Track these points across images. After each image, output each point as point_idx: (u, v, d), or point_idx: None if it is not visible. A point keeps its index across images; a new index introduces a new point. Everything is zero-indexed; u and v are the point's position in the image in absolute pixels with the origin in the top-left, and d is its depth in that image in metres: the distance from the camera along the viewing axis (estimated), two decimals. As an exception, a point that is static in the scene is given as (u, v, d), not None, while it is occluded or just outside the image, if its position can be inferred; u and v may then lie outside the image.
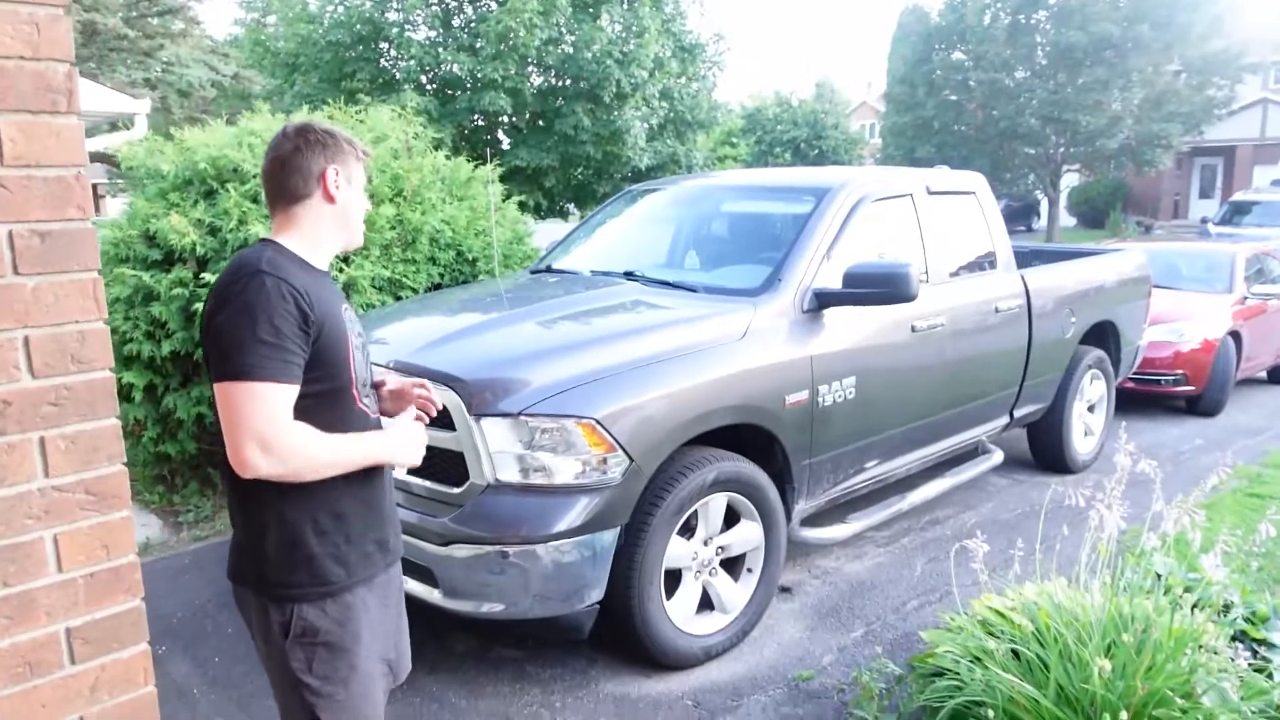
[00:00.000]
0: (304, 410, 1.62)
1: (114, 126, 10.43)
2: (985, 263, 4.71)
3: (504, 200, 5.90)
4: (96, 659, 1.31)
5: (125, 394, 4.64)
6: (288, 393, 1.56)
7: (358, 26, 13.23)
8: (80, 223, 1.23)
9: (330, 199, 1.73)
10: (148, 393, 4.62)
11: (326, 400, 1.67)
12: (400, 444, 1.79)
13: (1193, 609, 2.65)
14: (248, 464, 1.52)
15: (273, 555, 1.66)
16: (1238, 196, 20.13)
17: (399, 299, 4.78)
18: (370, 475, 1.76)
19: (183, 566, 4.17)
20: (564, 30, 13.39)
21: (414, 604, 2.59)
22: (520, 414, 2.86)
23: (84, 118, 8.24)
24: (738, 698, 3.08)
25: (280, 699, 1.75)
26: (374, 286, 4.72)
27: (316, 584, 1.67)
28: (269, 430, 1.52)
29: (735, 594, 3.40)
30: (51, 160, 1.19)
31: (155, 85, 19.61)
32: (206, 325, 1.59)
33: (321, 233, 1.75)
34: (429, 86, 13.81)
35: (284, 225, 1.73)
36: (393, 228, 4.88)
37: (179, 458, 4.81)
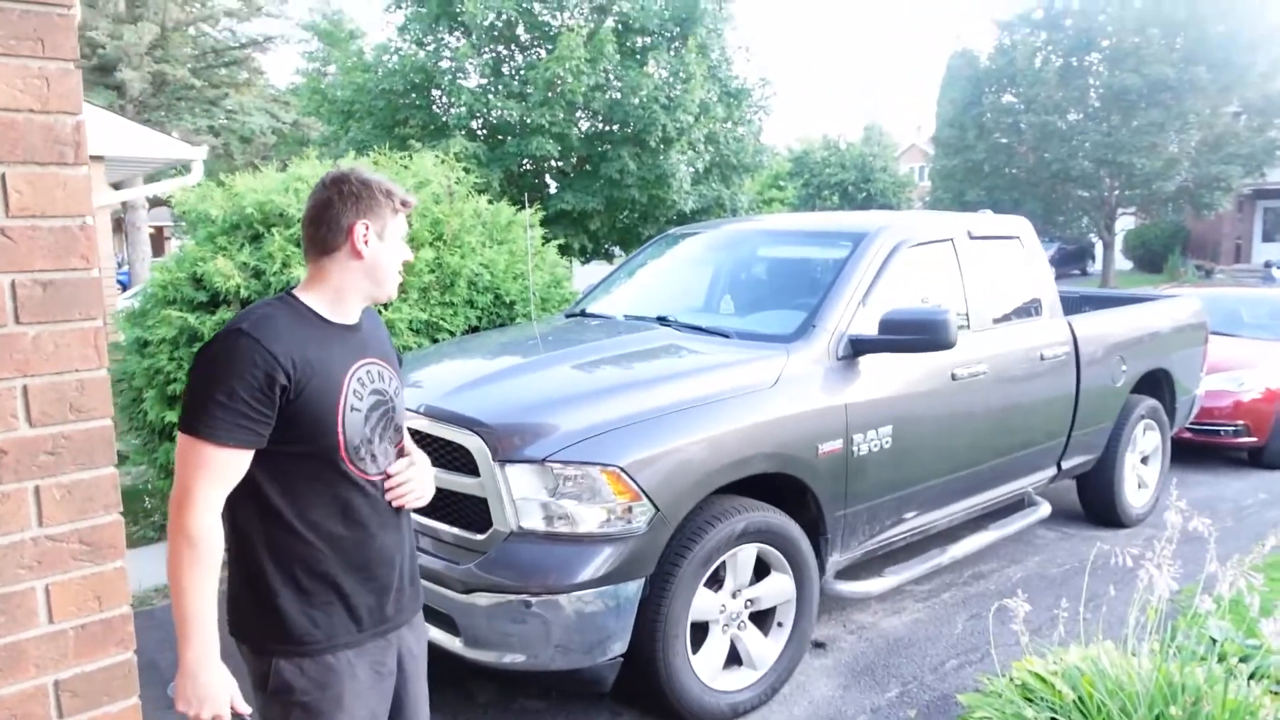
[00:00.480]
0: (281, 470, 1.63)
1: (179, 172, 10.85)
2: (1030, 309, 4.59)
3: (544, 244, 5.95)
4: (85, 712, 1.30)
5: (168, 433, 4.73)
6: (226, 458, 1.55)
7: (411, 75, 13.61)
8: (84, 272, 1.24)
9: (357, 254, 1.71)
10: (189, 432, 4.69)
11: (309, 460, 1.65)
12: (203, 685, 1.58)
13: (1249, 679, 2.49)
14: (170, 512, 1.56)
15: (253, 606, 1.67)
16: (1303, 240, 19.55)
17: (435, 341, 4.82)
18: (361, 540, 1.71)
19: (217, 605, 4.19)
20: (611, 76, 13.60)
21: (436, 651, 2.56)
22: (545, 460, 2.83)
23: (145, 164, 8.57)
24: (765, 759, 2.97)
25: None
26: (411, 329, 4.76)
27: (291, 642, 1.66)
28: (187, 491, 1.54)
29: (765, 649, 3.30)
30: (57, 211, 1.20)
31: (219, 133, 20.36)
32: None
33: (347, 286, 1.73)
34: (479, 132, 14.11)
35: (312, 276, 1.74)
36: (431, 271, 4.93)
37: (218, 496, 4.86)
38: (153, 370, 4.63)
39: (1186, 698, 2.31)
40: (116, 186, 9.13)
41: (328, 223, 1.70)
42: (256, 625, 1.69)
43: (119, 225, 18.51)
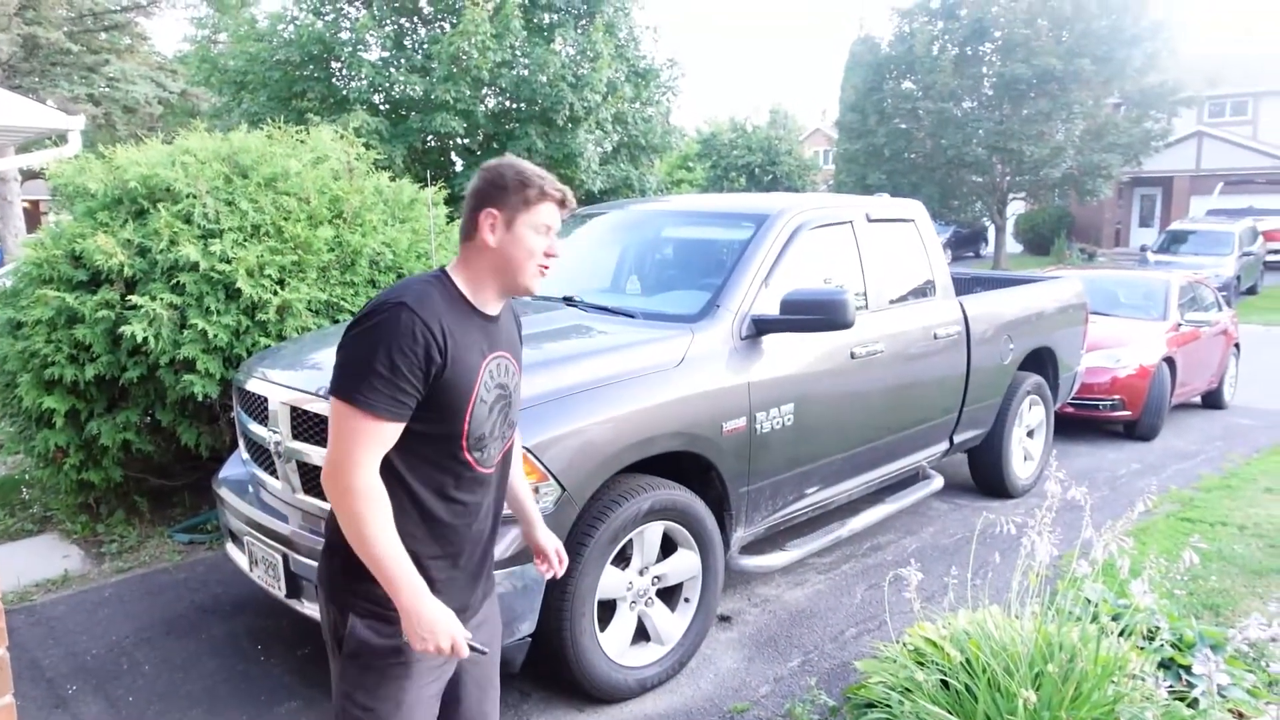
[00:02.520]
0: (405, 444, 1.64)
1: (55, 143, 10.16)
2: (925, 289, 4.76)
3: (448, 223, 5.84)
4: (-48, 714, 1.22)
5: (46, 419, 4.47)
6: (382, 430, 1.58)
7: (309, 46, 13.09)
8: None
9: (485, 244, 1.71)
10: (70, 418, 4.44)
11: (430, 441, 1.66)
12: (426, 620, 1.61)
13: (1120, 636, 2.66)
14: (323, 475, 1.61)
15: (343, 561, 1.67)
16: (1175, 225, 20.82)
17: (336, 322, 4.69)
18: (458, 528, 1.74)
19: (102, 600, 4.01)
20: (517, 53, 13.38)
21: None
22: (449, 442, 2.79)
23: (17, 134, 8.01)
24: (672, 731, 3.02)
25: (334, 705, 1.77)
26: (310, 309, 4.61)
27: (373, 601, 1.66)
28: (346, 455, 1.57)
29: (672, 625, 3.35)
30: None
31: (99, 101, 19.16)
32: (344, 335, 1.64)
33: (482, 274, 1.73)
34: (381, 107, 13.69)
35: (459, 259, 1.75)
36: (331, 250, 4.79)
37: (103, 485, 4.63)
38: (28, 353, 4.36)
39: (1063, 655, 2.46)
40: (-16, 157, 8.50)
41: (467, 209, 1.73)
42: (343, 581, 1.70)
43: (-11, 199, 17.22)
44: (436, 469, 1.69)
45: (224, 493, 3.54)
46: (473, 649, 1.68)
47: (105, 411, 4.51)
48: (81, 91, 18.47)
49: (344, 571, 1.69)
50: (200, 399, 4.34)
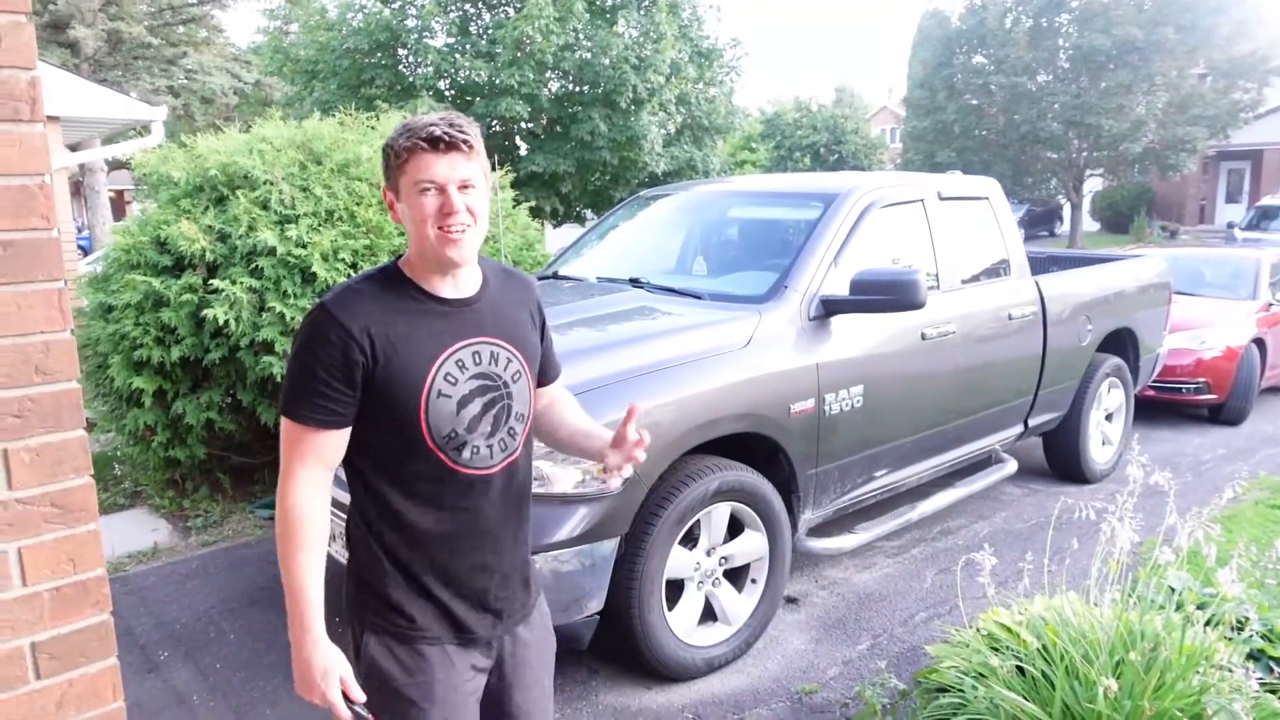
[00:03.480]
0: (377, 451, 1.56)
1: (139, 134, 10.55)
2: (998, 269, 4.64)
3: (514, 206, 5.89)
4: (63, 674, 1.29)
5: (135, 399, 4.67)
6: (315, 439, 1.50)
7: (376, 34, 13.30)
8: (44, 232, 1.21)
9: (397, 220, 1.57)
10: (157, 398, 4.64)
11: (395, 448, 1.55)
12: (301, 664, 1.51)
13: (1206, 626, 2.57)
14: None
15: (356, 579, 1.62)
16: (1265, 201, 19.85)
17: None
18: (456, 537, 1.59)
19: (190, 572, 4.18)
20: (580, 36, 13.38)
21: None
22: (519, 422, 2.83)
23: (103, 125, 8.34)
24: (739, 711, 3.03)
25: None
26: (382, 293, 4.71)
27: (383, 620, 1.59)
28: (284, 468, 1.52)
29: (739, 605, 3.35)
30: (14, 169, 1.17)
31: (178, 93, 19.83)
32: None
33: (414, 256, 1.56)
34: (446, 93, 13.85)
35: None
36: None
37: (188, 463, 4.83)
38: (118, 336, 4.56)
39: (1145, 644, 2.38)
40: (73, 148, 8.88)
41: None
42: (359, 596, 1.63)
43: (77, 189, 18.04)
44: (412, 474, 1.56)
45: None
46: (356, 715, 1.52)
47: (190, 392, 4.69)
48: (162, 84, 19.12)
49: (359, 587, 1.62)
50: (279, 379, 4.48)
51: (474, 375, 1.56)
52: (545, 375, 1.82)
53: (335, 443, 1.52)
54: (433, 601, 1.59)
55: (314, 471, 1.51)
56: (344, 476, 1.66)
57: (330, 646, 1.51)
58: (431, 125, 1.47)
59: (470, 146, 1.50)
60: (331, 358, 1.47)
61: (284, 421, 1.51)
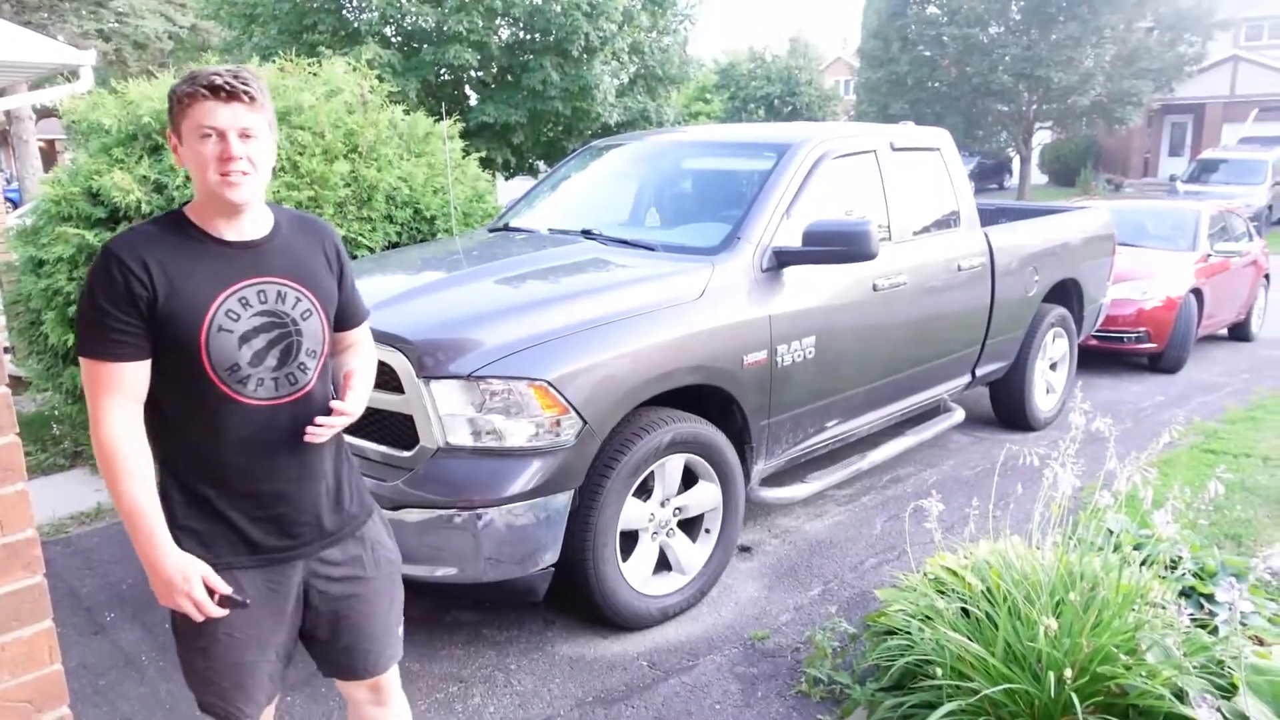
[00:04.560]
0: (167, 385, 1.62)
1: (67, 79, 10.06)
2: (949, 220, 4.67)
3: (464, 156, 5.77)
4: (-5, 637, 1.25)
5: (71, 356, 4.52)
6: (113, 372, 1.56)
7: (318, -24, 12.81)
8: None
9: (181, 164, 1.64)
10: (95, 355, 4.49)
11: (182, 380, 1.61)
12: (162, 576, 1.59)
13: (1141, 566, 2.67)
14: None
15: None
16: (1206, 154, 20.28)
17: (354, 258, 4.67)
18: (247, 468, 1.67)
19: (135, 532, 4.10)
20: (531, -19, 13.05)
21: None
22: (470, 376, 2.80)
23: (28, 70, 7.92)
24: (693, 658, 3.08)
25: None
26: (328, 245, 4.60)
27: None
28: (91, 407, 1.57)
29: (693, 555, 3.39)
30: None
31: (109, 37, 18.92)
32: None
33: (197, 199, 1.66)
34: (393, 39, 13.44)
35: None
36: (347, 185, 4.75)
37: (131, 421, 4.70)
38: (50, 291, 4.39)
39: (1084, 584, 2.47)
40: (-3, 95, 8.45)
41: None
42: None
43: (4, 138, 17.23)
44: (206, 407, 1.63)
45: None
46: (229, 601, 1.63)
47: (129, 348, 4.55)
48: (91, 27, 18.25)
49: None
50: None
51: (259, 313, 1.65)
52: (346, 319, 1.88)
53: (137, 375, 1.59)
54: (226, 524, 1.67)
55: (121, 405, 1.58)
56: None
57: (182, 553, 1.60)
58: (215, 74, 1.56)
59: (252, 98, 1.59)
60: (116, 293, 1.54)
61: (84, 362, 1.58)
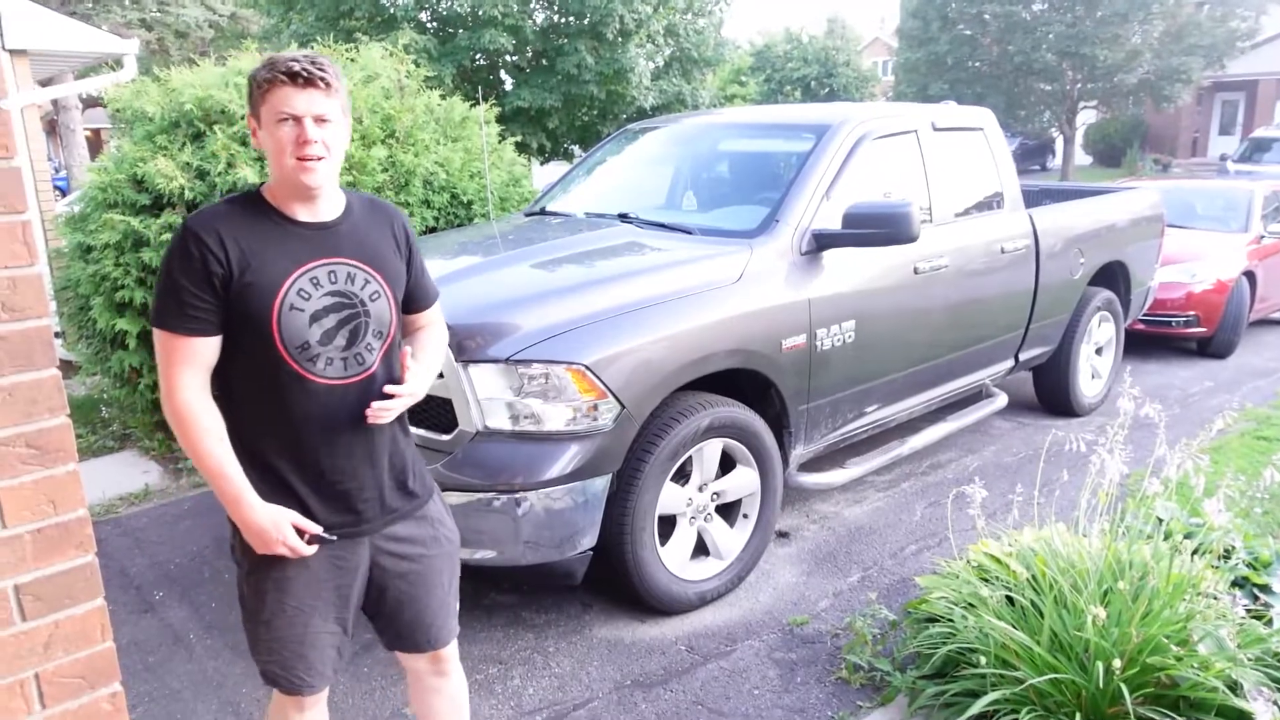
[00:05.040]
0: (239, 360, 1.66)
1: (112, 69, 10.23)
2: (992, 202, 4.58)
3: (500, 141, 5.77)
4: (49, 615, 1.28)
5: (119, 341, 4.60)
6: (187, 346, 1.61)
7: (354, -37, 12.86)
8: (3, 162, 1.15)
9: (259, 147, 1.69)
10: (142, 339, 4.57)
11: (254, 356, 1.65)
12: (254, 528, 1.66)
13: (1193, 555, 2.60)
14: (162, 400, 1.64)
15: None
16: (1258, 133, 19.66)
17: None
18: (314, 445, 1.71)
19: (182, 513, 4.18)
20: (566, -36, 13.00)
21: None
22: (509, 360, 2.81)
23: (74, 59, 8.07)
24: (731, 642, 3.07)
25: None
26: (367, 231, 4.62)
27: None
28: (164, 378, 1.63)
29: (731, 540, 3.37)
30: (-35, 95, 1.11)
31: (151, 26, 19.22)
32: None
33: (274, 181, 1.70)
34: (428, 25, 13.48)
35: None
36: (385, 170, 4.77)
37: (176, 405, 4.78)
38: (98, 277, 4.47)
39: (1134, 573, 2.41)
40: (45, 85, 8.61)
41: None
42: None
43: (53, 128, 17.59)
44: (271, 383, 1.67)
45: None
46: (319, 539, 1.71)
47: (174, 333, 4.62)
48: (134, 16, 18.55)
49: None
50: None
51: (329, 293, 1.69)
52: (416, 301, 1.93)
53: (208, 349, 1.64)
54: (295, 499, 1.72)
55: (193, 376, 1.63)
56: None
57: (268, 505, 1.67)
58: (292, 60, 1.60)
59: (328, 85, 1.63)
60: (193, 269, 1.59)
61: (157, 333, 1.63)
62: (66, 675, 1.30)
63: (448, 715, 2.12)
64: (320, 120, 1.63)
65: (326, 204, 1.73)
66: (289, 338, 1.64)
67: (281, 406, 1.68)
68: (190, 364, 1.62)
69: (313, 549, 1.70)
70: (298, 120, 1.61)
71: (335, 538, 1.73)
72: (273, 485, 1.71)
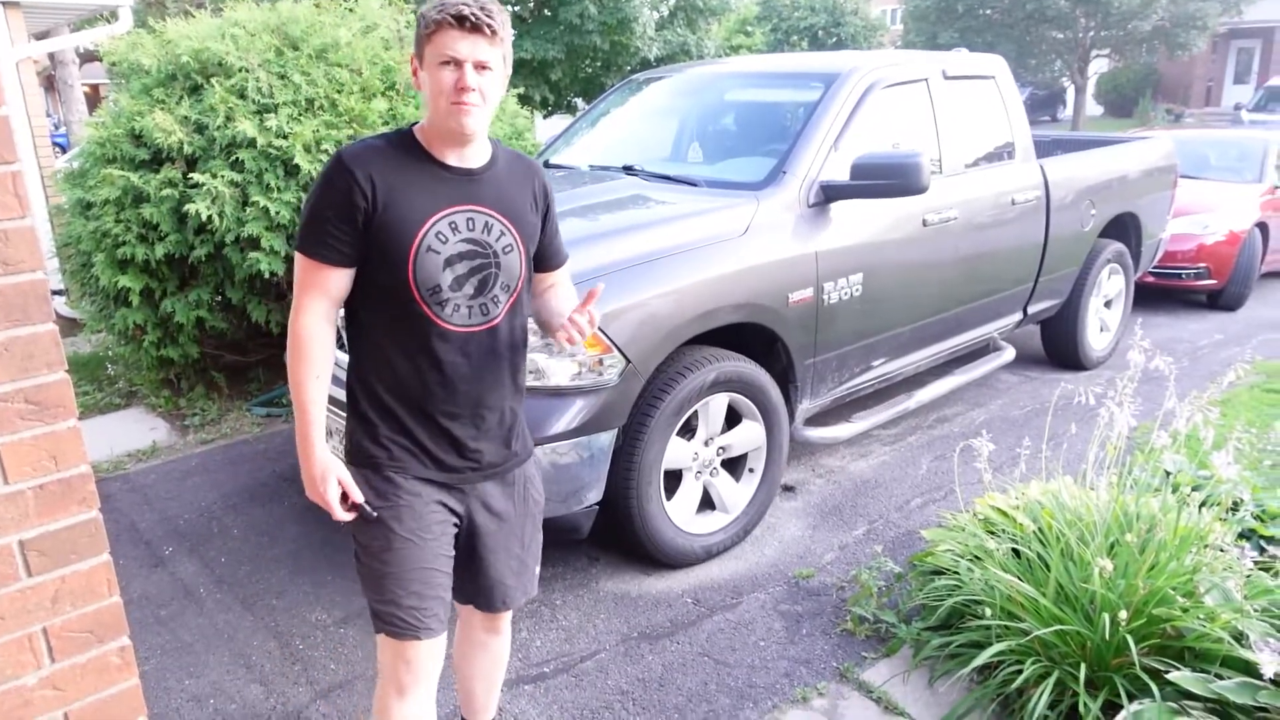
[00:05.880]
0: (371, 297, 1.70)
1: (109, 20, 10.06)
2: (1003, 152, 4.50)
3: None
4: (55, 571, 1.28)
5: (123, 298, 4.59)
6: (320, 273, 1.65)
7: (351, -90, 12.59)
8: (-9, 110, 1.12)
9: (419, 88, 1.69)
10: (145, 296, 4.55)
11: (384, 292, 1.68)
12: (307, 473, 1.71)
13: (1200, 507, 2.60)
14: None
15: (350, 421, 1.80)
16: (1274, 81, 19.30)
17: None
18: (435, 386, 1.73)
19: (189, 469, 4.20)
20: (567, -90, 12.69)
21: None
22: (513, 315, 2.78)
23: (69, 12, 7.93)
24: (737, 595, 3.09)
25: None
26: (368, 185, 4.57)
27: (360, 454, 1.77)
28: (296, 299, 1.68)
29: (736, 494, 3.38)
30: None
31: (147, -22, 18.89)
32: None
33: (429, 123, 1.69)
34: (428, -26, 13.23)
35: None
36: (385, 123, 4.69)
37: (182, 362, 4.78)
38: (99, 233, 4.44)
39: (1141, 525, 2.41)
40: (40, 39, 8.47)
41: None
42: (349, 441, 1.80)
43: (51, 83, 17.35)
44: (404, 322, 1.69)
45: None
46: (358, 510, 1.72)
47: (178, 290, 4.60)
48: (129, -32, 18.19)
49: (350, 432, 1.80)
50: (267, 276, 4.39)
51: (465, 239, 1.68)
52: (547, 260, 1.94)
53: (340, 280, 1.67)
54: (411, 439, 1.75)
55: (321, 303, 1.67)
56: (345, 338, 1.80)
57: (327, 454, 1.70)
58: (463, 4, 1.58)
59: (494, 32, 1.62)
60: (337, 199, 1.61)
61: (297, 256, 1.67)
62: (74, 630, 1.31)
63: (487, 673, 2.14)
64: (481, 67, 1.62)
65: (475, 151, 1.72)
66: (422, 279, 1.65)
67: (407, 346, 1.70)
68: (321, 291, 1.66)
69: (347, 516, 1.72)
70: (459, 64, 1.60)
71: (375, 515, 1.73)
72: (390, 423, 1.74)
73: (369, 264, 1.66)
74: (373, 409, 1.75)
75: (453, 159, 1.69)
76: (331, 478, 1.69)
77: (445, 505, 1.80)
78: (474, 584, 1.94)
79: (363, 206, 1.61)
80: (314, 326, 1.66)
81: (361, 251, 1.65)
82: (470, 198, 1.70)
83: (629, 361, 2.86)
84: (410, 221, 1.63)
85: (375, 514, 1.73)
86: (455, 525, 1.84)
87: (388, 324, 1.70)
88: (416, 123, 1.72)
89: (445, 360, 1.71)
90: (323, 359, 1.67)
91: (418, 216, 1.64)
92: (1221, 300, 6.93)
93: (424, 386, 1.72)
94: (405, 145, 1.68)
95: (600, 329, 2.79)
